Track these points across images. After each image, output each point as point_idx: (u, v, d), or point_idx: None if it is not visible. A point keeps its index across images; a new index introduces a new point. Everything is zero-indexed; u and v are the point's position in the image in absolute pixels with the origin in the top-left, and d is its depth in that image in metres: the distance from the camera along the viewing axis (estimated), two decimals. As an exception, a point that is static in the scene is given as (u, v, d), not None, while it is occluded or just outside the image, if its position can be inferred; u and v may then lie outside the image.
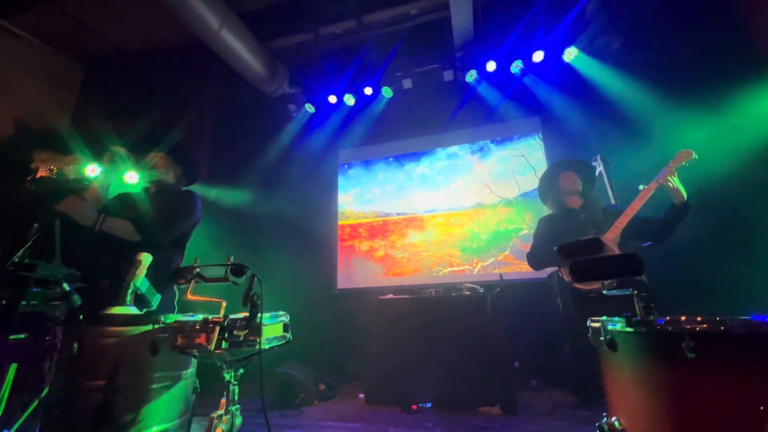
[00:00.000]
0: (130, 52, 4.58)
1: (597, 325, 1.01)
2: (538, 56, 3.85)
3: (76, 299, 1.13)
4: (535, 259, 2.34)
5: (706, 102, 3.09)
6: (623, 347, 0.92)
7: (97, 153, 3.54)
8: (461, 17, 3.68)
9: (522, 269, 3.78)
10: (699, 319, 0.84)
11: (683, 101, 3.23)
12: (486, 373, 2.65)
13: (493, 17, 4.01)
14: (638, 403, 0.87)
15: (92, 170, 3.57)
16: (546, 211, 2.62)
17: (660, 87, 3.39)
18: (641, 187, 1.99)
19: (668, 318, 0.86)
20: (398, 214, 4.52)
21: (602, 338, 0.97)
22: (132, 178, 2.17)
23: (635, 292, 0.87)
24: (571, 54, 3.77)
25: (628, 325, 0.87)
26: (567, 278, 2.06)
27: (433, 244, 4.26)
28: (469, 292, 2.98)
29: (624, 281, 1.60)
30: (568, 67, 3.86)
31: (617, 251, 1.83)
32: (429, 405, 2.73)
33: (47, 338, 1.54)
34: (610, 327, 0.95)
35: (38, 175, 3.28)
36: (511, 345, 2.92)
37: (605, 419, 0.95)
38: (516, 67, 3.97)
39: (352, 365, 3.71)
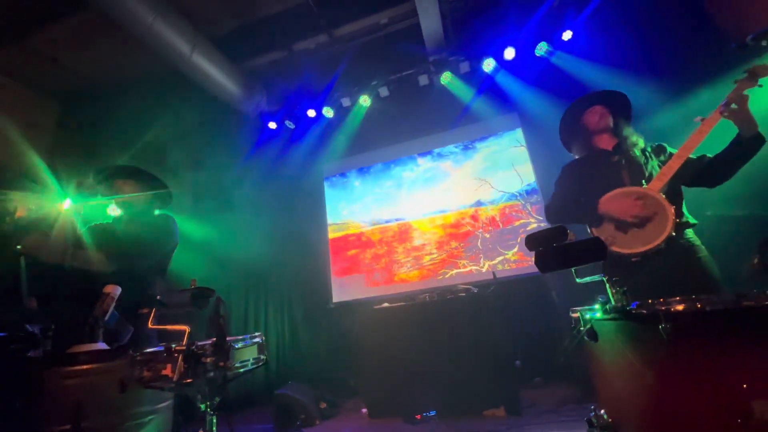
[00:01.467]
0: (104, 85, 4.55)
1: (576, 314, 0.98)
2: (509, 53, 3.89)
3: (37, 340, 1.08)
4: (554, 210, 1.87)
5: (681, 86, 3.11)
6: (603, 336, 0.88)
7: (74, 188, 3.49)
8: (430, 22, 3.71)
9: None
10: (676, 298, 0.82)
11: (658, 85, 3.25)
12: (488, 374, 2.60)
13: (461, 19, 4.05)
14: (622, 392, 0.84)
15: (69, 205, 3.51)
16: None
17: (624, 68, 3.43)
18: (698, 119, 1.53)
19: (642, 301, 0.83)
20: (395, 221, 4.47)
21: (582, 328, 0.94)
22: (113, 211, 2.13)
23: (606, 277, 0.84)
24: (542, 48, 3.81)
25: (604, 312, 0.84)
26: (596, 234, 1.65)
27: (435, 247, 4.19)
28: (463, 294, 2.94)
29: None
30: (543, 61, 3.90)
31: (668, 208, 1.43)
32: (433, 413, 2.66)
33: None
34: (588, 316, 0.92)
35: (17, 215, 3.21)
36: (510, 343, 2.87)
37: (593, 412, 0.91)
38: (488, 65, 4.00)
39: (353, 380, 3.63)
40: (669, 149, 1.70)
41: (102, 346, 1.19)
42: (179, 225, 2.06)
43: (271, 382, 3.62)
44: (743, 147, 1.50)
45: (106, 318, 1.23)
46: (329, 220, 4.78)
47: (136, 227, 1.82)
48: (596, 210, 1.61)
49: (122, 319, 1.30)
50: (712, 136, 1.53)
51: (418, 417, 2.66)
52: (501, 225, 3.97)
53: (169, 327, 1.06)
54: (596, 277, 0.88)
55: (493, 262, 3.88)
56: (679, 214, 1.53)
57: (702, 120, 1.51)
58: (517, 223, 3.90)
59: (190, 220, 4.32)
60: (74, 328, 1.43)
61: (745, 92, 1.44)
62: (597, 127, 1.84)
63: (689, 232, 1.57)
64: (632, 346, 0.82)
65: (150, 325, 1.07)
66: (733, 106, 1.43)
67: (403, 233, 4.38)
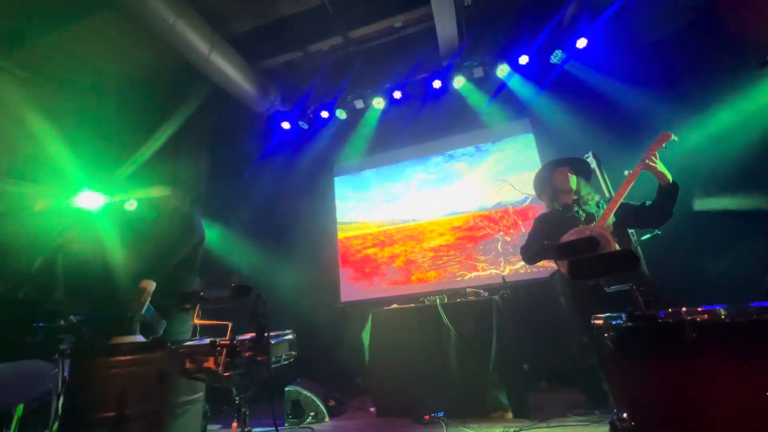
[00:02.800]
0: (122, 79, 4.63)
1: (600, 321, 1.02)
2: (524, 59, 3.93)
3: (83, 331, 1.13)
4: (528, 254, 2.35)
5: (701, 97, 3.14)
6: (627, 342, 0.93)
7: (97, 182, 3.56)
8: (445, 27, 3.75)
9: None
10: (699, 309, 0.86)
11: (674, 98, 3.29)
12: (496, 377, 2.63)
13: (476, 24, 4.09)
14: (645, 396, 0.88)
15: (89, 199, 3.57)
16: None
17: (641, 82, 3.46)
18: (626, 173, 1.97)
19: (669, 310, 0.87)
20: (406, 221, 4.51)
21: (606, 334, 0.98)
22: (132, 205, 2.18)
23: (634, 286, 0.88)
24: (557, 56, 3.85)
25: (630, 319, 0.88)
26: (564, 271, 2.03)
27: (453, 248, 4.21)
28: (473, 297, 2.98)
29: (624, 276, 1.60)
30: (557, 69, 3.93)
31: (611, 239, 1.77)
32: (441, 414, 2.70)
33: (54, 372, 1.54)
34: (613, 323, 0.96)
35: (36, 208, 3.29)
36: (519, 347, 2.90)
37: (616, 415, 0.95)
38: (502, 71, 4.04)
39: (360, 379, 3.67)
40: (606, 199, 2.17)
41: (139, 338, 1.25)
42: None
43: (281, 378, 3.66)
44: (663, 193, 1.95)
45: (142, 311, 1.29)
46: (339, 219, 4.83)
47: (161, 229, 1.87)
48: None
49: (157, 313, 1.35)
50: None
51: (427, 417, 2.69)
52: (523, 229, 3.96)
53: (214, 322, 1.11)
54: (624, 286, 0.92)
55: (515, 266, 3.88)
56: (624, 245, 1.95)
57: (628, 173, 1.96)
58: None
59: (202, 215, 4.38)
60: (110, 321, 1.50)
61: (655, 152, 1.91)
62: (562, 187, 2.30)
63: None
64: (658, 352, 0.86)
65: (195, 320, 1.12)
66: (649, 162, 1.91)
67: (415, 234, 4.42)
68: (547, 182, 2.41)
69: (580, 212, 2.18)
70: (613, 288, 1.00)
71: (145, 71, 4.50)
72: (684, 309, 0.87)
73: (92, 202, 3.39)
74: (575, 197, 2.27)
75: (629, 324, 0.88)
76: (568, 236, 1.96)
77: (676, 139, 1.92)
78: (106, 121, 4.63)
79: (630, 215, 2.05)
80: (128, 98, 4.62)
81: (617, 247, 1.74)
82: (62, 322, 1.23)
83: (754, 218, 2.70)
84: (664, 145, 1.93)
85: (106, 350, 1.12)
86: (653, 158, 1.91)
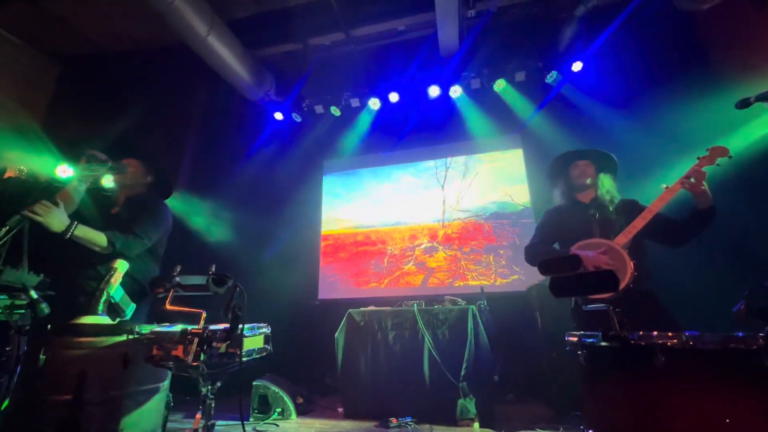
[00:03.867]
0: (109, 52, 4.47)
1: (574, 339, 1.04)
2: (519, 76, 4.01)
3: (44, 308, 1.07)
4: (532, 254, 2.03)
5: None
6: (599, 361, 0.95)
7: (71, 154, 3.41)
8: (448, 35, 3.79)
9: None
10: (670, 334, 0.88)
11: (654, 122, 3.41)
12: (466, 385, 2.65)
13: (478, 36, 4.15)
14: (612, 414, 0.90)
15: (64, 171, 3.42)
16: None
17: (629, 108, 3.58)
18: (663, 186, 1.69)
19: (641, 333, 0.90)
20: (398, 223, 4.50)
21: (579, 352, 1.00)
22: (108, 182, 2.09)
23: (611, 307, 0.90)
24: (552, 76, 3.94)
25: (604, 339, 0.90)
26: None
27: (443, 255, 4.21)
28: (450, 305, 3.00)
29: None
30: (551, 88, 4.03)
31: (627, 260, 1.59)
32: (409, 419, 2.70)
33: (7, 349, 1.45)
34: (586, 341, 0.98)
35: (5, 176, 3.12)
36: (491, 358, 2.94)
37: (582, 432, 0.97)
38: (499, 85, 4.10)
39: (331, 378, 3.64)
40: (640, 204, 1.86)
41: (106, 319, 1.19)
42: (175, 205, 2.05)
43: (250, 371, 3.59)
44: (698, 217, 1.69)
45: (112, 292, 1.23)
46: (324, 216, 4.79)
47: (136, 210, 1.81)
48: None
49: (126, 296, 1.30)
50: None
51: (394, 421, 2.69)
52: (518, 241, 3.98)
53: (186, 309, 1.08)
54: (601, 306, 0.94)
55: (507, 281, 3.91)
56: (640, 267, 1.65)
57: (666, 188, 1.69)
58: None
59: (185, 202, 4.26)
60: (75, 299, 1.43)
61: (704, 169, 1.63)
62: (578, 180, 2.03)
63: (648, 284, 1.72)
64: (627, 372, 0.88)
65: (168, 306, 1.08)
66: (692, 180, 1.62)
67: (401, 237, 4.42)
68: (563, 175, 2.11)
69: (597, 215, 1.90)
70: (590, 307, 1.03)
71: (135, 45, 4.36)
72: (655, 333, 0.90)
73: (66, 174, 3.24)
74: (593, 196, 1.99)
75: (602, 343, 0.90)
76: (581, 247, 1.74)
77: (732, 156, 1.64)
78: (88, 93, 4.45)
79: (654, 228, 1.73)
80: (115, 72, 4.46)
81: (632, 268, 1.57)
82: (22, 296, 1.16)
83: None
84: (717, 161, 1.64)
85: (68, 330, 1.06)
86: (701, 174, 1.61)
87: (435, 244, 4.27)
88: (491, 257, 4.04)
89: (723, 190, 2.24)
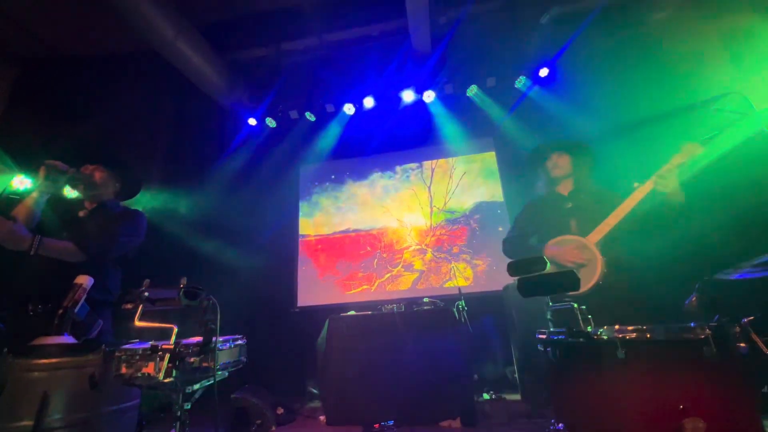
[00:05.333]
0: (69, 56, 4.26)
1: (543, 336, 1.09)
2: (491, 82, 4.13)
3: (0, 329, 1.01)
4: (510, 248, 2.06)
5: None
6: (565, 356, 0.99)
7: (29, 164, 3.23)
8: (420, 41, 3.86)
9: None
10: (630, 328, 0.94)
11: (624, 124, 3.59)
12: (446, 386, 2.69)
13: (450, 43, 4.24)
14: (579, 406, 0.95)
15: (20, 183, 3.24)
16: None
17: (598, 111, 3.77)
18: (636, 185, 1.71)
19: (604, 327, 0.95)
20: (374, 228, 4.51)
21: (548, 348, 1.04)
22: (71, 192, 2.00)
23: (575, 304, 0.95)
24: (521, 81, 4.08)
25: (569, 335, 0.95)
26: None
27: (430, 257, 4.25)
28: (429, 307, 3.04)
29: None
30: (520, 93, 4.18)
31: (598, 256, 1.64)
32: (391, 423, 2.71)
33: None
34: (553, 338, 1.03)
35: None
36: (470, 357, 2.99)
37: (552, 426, 1.01)
38: (471, 90, 4.21)
39: (313, 386, 3.59)
40: (619, 197, 1.82)
41: (68, 339, 1.14)
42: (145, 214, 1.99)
43: (227, 384, 3.48)
44: (670, 215, 1.71)
45: (76, 309, 1.18)
46: (301, 223, 4.74)
47: (107, 217, 1.74)
48: (543, 253, 1.82)
49: (92, 312, 1.24)
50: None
51: (377, 426, 2.69)
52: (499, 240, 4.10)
53: (157, 324, 1.04)
54: (567, 304, 0.99)
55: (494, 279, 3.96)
56: (614, 262, 1.69)
57: (638, 186, 1.72)
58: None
59: (154, 210, 4.11)
60: (36, 319, 1.35)
61: (677, 166, 1.66)
62: (554, 172, 2.03)
63: (623, 276, 1.71)
64: (591, 365, 0.93)
65: (136, 322, 1.04)
66: (665, 177, 1.64)
67: (378, 241, 4.43)
68: (540, 166, 2.11)
69: (574, 208, 1.93)
70: (556, 305, 1.07)
71: (97, 49, 4.18)
72: (617, 327, 0.95)
73: (24, 185, 3.08)
74: (571, 188, 2.01)
75: (568, 339, 0.95)
76: (555, 244, 1.79)
77: (702, 152, 1.66)
78: (47, 99, 4.22)
79: (629, 227, 1.74)
80: (78, 77, 4.25)
81: (603, 265, 1.62)
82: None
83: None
84: (688, 159, 1.65)
85: (29, 351, 1.01)
86: (673, 172, 1.63)
87: (423, 246, 4.30)
88: (478, 258, 4.11)
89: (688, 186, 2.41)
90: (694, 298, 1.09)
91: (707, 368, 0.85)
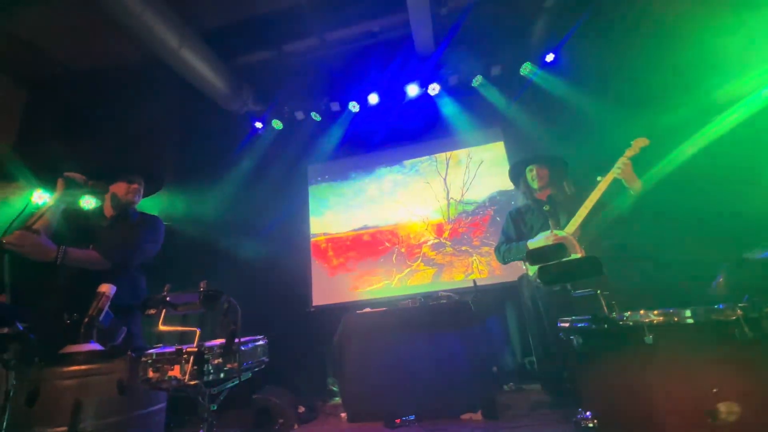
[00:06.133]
0: (79, 72, 4.35)
1: (566, 324, 1.07)
2: (496, 70, 4.08)
3: (31, 340, 1.04)
4: (500, 254, 2.44)
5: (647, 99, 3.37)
6: (591, 343, 0.98)
7: (46, 178, 3.31)
8: (422, 34, 3.82)
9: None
10: (656, 312, 0.92)
11: (629, 106, 3.51)
12: (466, 379, 2.68)
13: (452, 34, 4.19)
14: (608, 394, 0.93)
15: (39, 197, 3.32)
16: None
17: (604, 93, 3.68)
18: (598, 178, 2.01)
19: (629, 313, 0.93)
20: (385, 224, 4.49)
21: (572, 336, 1.03)
22: (88, 203, 2.04)
23: (599, 291, 0.93)
24: (527, 68, 4.02)
25: (594, 322, 0.93)
26: (531, 273, 2.12)
27: (451, 251, 4.21)
28: (444, 300, 3.03)
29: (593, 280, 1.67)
30: (526, 80, 4.11)
31: (577, 246, 1.89)
32: (412, 417, 2.71)
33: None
34: (578, 325, 1.01)
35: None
36: (488, 349, 2.98)
37: (580, 414, 1.00)
38: (477, 81, 4.16)
39: (332, 384, 3.62)
40: (580, 197, 2.11)
41: (95, 346, 1.17)
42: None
43: (248, 385, 3.53)
44: (630, 201, 1.98)
45: (101, 317, 1.21)
46: (312, 223, 4.76)
47: (129, 224, 1.77)
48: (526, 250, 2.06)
49: (116, 320, 1.27)
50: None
51: (398, 421, 2.70)
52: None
53: (180, 328, 1.06)
54: (590, 291, 0.97)
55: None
56: (590, 250, 1.95)
57: (601, 179, 2.00)
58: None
59: (169, 217, 4.17)
60: (63, 328, 1.39)
61: (629, 158, 1.96)
62: (533, 183, 2.35)
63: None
64: (618, 351, 0.92)
65: (160, 327, 1.06)
66: (622, 168, 1.93)
67: (392, 237, 4.43)
68: (520, 179, 2.47)
69: (551, 210, 2.22)
70: (579, 293, 1.06)
71: (106, 63, 4.25)
72: (642, 312, 0.93)
73: (42, 199, 3.15)
74: (549, 193, 2.32)
75: (593, 326, 0.93)
76: (538, 239, 2.05)
77: (648, 143, 1.96)
78: (59, 114, 4.32)
79: (597, 219, 2.03)
80: (87, 91, 4.34)
81: (580, 248, 1.85)
82: (6, 330, 1.12)
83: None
84: (639, 150, 1.97)
85: (60, 360, 1.04)
86: (627, 164, 1.94)
87: (442, 240, 4.28)
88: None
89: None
90: (721, 279, 1.07)
91: (740, 350, 0.83)
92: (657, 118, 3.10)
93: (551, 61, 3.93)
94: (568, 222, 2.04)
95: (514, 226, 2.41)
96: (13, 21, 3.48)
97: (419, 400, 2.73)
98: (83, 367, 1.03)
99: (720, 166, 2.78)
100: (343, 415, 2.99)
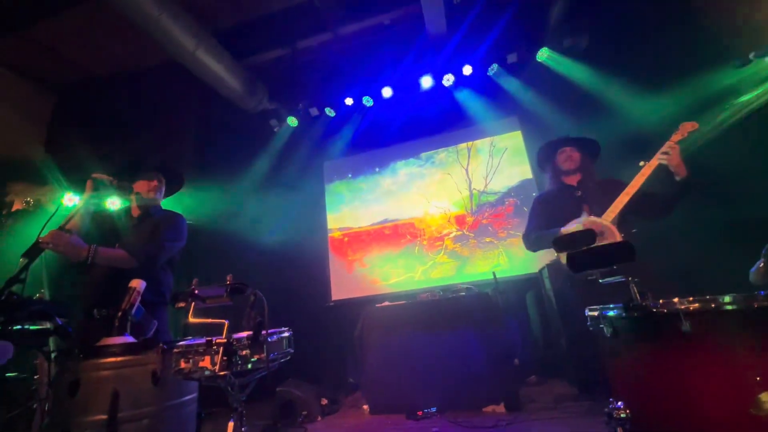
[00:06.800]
0: (102, 77, 4.49)
1: (595, 313, 1.04)
2: (512, 58, 3.98)
3: (68, 333, 1.09)
4: (529, 242, 2.28)
5: (674, 86, 3.22)
6: (622, 332, 0.95)
7: (75, 181, 3.45)
8: (435, 24, 3.77)
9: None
10: (691, 299, 0.88)
11: (653, 87, 3.37)
12: (488, 371, 2.66)
13: (466, 22, 4.11)
14: (641, 384, 0.90)
15: (69, 199, 3.46)
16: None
17: (626, 76, 3.54)
18: (641, 163, 1.85)
19: (662, 301, 0.89)
20: (406, 217, 4.47)
21: (601, 325, 1.00)
22: (114, 203, 2.11)
23: (630, 278, 0.90)
24: (543, 54, 3.91)
25: (626, 310, 0.90)
26: (564, 261, 2.04)
27: (474, 243, 4.16)
28: (464, 293, 3.01)
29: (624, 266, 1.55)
30: (542, 66, 3.99)
31: (616, 232, 1.70)
32: (434, 409, 2.72)
33: (35, 377, 1.48)
34: (608, 314, 0.98)
35: (13, 209, 3.15)
36: (510, 341, 2.94)
37: (611, 405, 0.97)
38: (492, 70, 4.08)
39: (353, 377, 3.66)
40: (622, 182, 1.96)
41: (129, 338, 1.21)
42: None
43: (271, 378, 3.61)
44: (677, 188, 1.82)
45: (133, 311, 1.25)
46: (329, 218, 4.80)
47: (153, 223, 1.83)
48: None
49: (147, 313, 1.31)
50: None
51: (420, 413, 2.71)
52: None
53: (209, 320, 1.09)
54: (619, 278, 0.94)
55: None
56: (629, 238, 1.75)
57: (645, 163, 1.84)
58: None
59: (191, 213, 4.28)
60: (98, 322, 1.45)
61: (676, 142, 1.81)
62: (565, 166, 2.19)
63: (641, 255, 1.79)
64: (652, 341, 0.89)
65: (190, 319, 1.10)
66: (669, 153, 1.78)
67: (410, 231, 4.41)
68: (550, 161, 2.30)
69: (585, 196, 2.05)
70: (607, 280, 1.03)
71: (126, 66, 4.37)
72: (676, 299, 0.89)
73: (73, 202, 3.28)
74: (580, 179, 2.16)
75: (625, 315, 0.90)
76: (572, 225, 1.88)
77: (698, 127, 1.80)
78: (84, 119, 4.48)
79: (637, 204, 1.86)
80: (109, 95, 4.48)
81: (619, 235, 1.67)
82: (48, 324, 1.18)
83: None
84: (687, 134, 1.81)
85: (96, 352, 1.08)
86: (674, 148, 1.77)
87: (465, 232, 4.23)
88: (516, 239, 3.94)
89: (725, 154, 2.29)
90: (761, 264, 1.01)
91: (785, 337, 0.79)
92: (692, 98, 2.95)
93: (569, 46, 3.80)
94: (602, 208, 1.88)
95: (544, 212, 2.23)
96: (39, 30, 3.62)
97: (441, 392, 2.74)
98: (119, 358, 1.08)
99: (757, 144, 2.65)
100: (365, 407, 3.03)
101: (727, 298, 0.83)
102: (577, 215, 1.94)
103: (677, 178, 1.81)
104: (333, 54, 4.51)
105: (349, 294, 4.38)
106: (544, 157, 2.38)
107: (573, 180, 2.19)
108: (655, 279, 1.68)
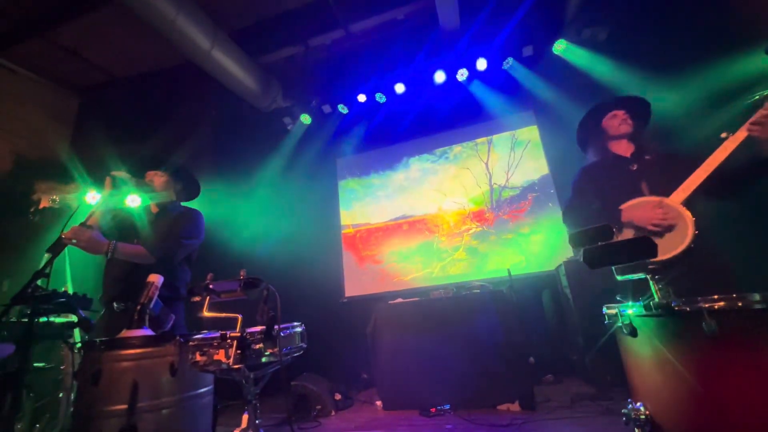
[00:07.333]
0: (122, 78, 4.62)
1: (613, 311, 1.01)
2: (527, 51, 3.90)
3: (91, 325, 1.13)
4: (573, 218, 1.85)
5: (694, 79, 3.07)
6: (642, 331, 0.92)
7: (98, 179, 3.56)
8: (448, 18, 3.71)
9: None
10: (716, 297, 0.84)
11: (672, 80, 3.23)
12: (502, 369, 2.64)
13: (480, 16, 4.04)
14: (662, 385, 0.87)
15: (92, 197, 3.57)
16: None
17: (646, 69, 3.41)
18: (724, 134, 1.52)
19: (683, 299, 0.86)
20: (420, 213, 4.47)
21: (620, 324, 0.97)
22: (134, 201, 2.17)
23: (650, 275, 0.87)
24: (560, 46, 3.81)
25: (646, 309, 0.87)
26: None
27: (494, 238, 4.11)
28: (478, 290, 2.98)
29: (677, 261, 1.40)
30: (559, 59, 3.89)
31: (688, 220, 1.43)
32: (447, 407, 2.71)
33: (61, 368, 1.55)
34: (627, 312, 0.95)
35: (41, 206, 3.28)
36: (525, 339, 2.90)
37: (630, 405, 0.95)
38: (507, 64, 4.00)
39: (367, 373, 3.69)
40: (684, 156, 1.66)
41: (148, 331, 1.25)
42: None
43: (287, 372, 3.66)
44: (762, 165, 1.49)
45: (151, 305, 1.29)
46: (342, 214, 4.82)
47: (171, 219, 1.87)
48: (618, 217, 1.60)
49: (165, 307, 1.35)
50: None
51: (433, 410, 2.70)
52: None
53: (224, 314, 1.11)
54: (639, 275, 0.91)
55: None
56: (703, 222, 1.48)
57: (728, 135, 1.50)
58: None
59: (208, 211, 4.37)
60: (118, 315, 1.50)
61: None
62: (616, 131, 1.83)
63: (709, 241, 1.50)
64: (674, 341, 0.85)
65: (204, 313, 1.12)
66: (760, 125, 1.42)
67: (423, 227, 4.40)
68: (597, 127, 1.91)
69: (643, 170, 1.72)
70: (624, 277, 0.99)
71: (145, 67, 4.48)
72: (699, 297, 0.86)
73: (95, 199, 3.39)
74: (633, 150, 1.81)
75: (644, 313, 0.87)
76: (635, 205, 1.58)
77: None
78: (106, 119, 4.61)
79: (713, 184, 1.52)
80: (129, 95, 4.60)
81: (694, 225, 1.42)
82: (72, 317, 1.23)
83: None
84: None
85: (117, 344, 1.12)
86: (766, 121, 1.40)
87: (485, 228, 4.17)
88: (534, 235, 3.89)
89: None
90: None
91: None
92: (719, 88, 2.79)
93: (588, 37, 3.69)
94: (664, 188, 1.56)
95: (594, 182, 1.84)
96: (61, 34, 3.74)
97: (454, 389, 2.72)
98: (139, 350, 1.11)
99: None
100: (378, 403, 3.04)
101: (756, 297, 0.79)
102: (636, 192, 1.64)
103: (765, 155, 1.46)
104: (346, 51, 4.51)
105: (362, 290, 4.40)
106: (592, 123, 1.95)
107: (626, 150, 1.83)
108: (719, 273, 1.47)
